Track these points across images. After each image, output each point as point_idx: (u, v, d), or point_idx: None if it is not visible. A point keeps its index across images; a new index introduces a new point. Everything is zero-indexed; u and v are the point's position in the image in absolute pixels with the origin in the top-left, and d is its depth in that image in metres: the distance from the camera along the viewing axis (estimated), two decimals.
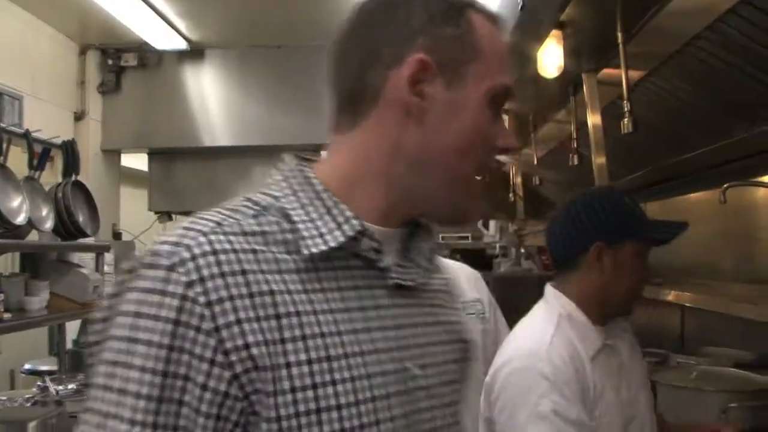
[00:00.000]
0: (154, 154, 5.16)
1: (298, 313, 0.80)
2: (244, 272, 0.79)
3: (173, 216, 5.30)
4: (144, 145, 5.05)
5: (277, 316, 0.79)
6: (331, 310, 0.84)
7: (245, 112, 4.88)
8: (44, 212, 3.23)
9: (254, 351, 0.77)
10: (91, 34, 4.74)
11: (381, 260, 0.89)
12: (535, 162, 3.67)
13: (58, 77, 4.59)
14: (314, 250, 0.83)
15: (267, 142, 4.80)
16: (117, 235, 4.89)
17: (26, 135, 3.20)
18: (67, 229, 3.29)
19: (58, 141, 3.51)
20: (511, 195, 4.54)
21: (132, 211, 5.49)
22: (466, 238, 10.73)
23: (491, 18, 0.94)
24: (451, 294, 1.10)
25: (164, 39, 4.59)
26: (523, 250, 6.80)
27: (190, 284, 0.76)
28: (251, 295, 0.78)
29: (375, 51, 0.90)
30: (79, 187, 3.54)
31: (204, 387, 0.75)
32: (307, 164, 0.92)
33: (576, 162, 2.77)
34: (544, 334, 1.60)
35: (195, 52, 4.86)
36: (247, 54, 4.87)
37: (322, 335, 0.81)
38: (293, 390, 0.78)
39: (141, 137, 4.98)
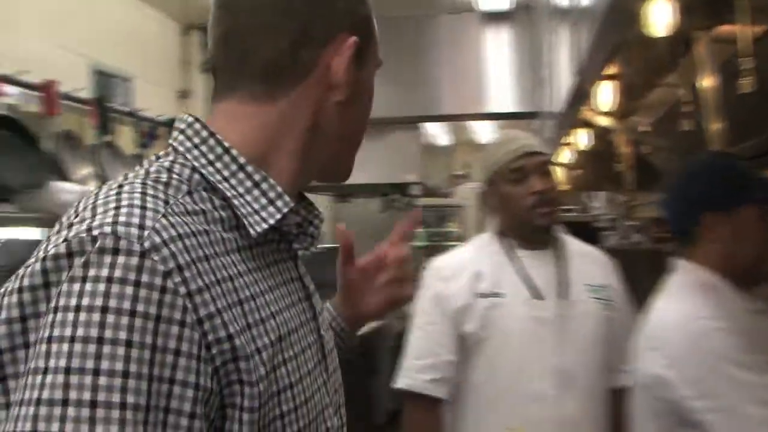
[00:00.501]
0: None
1: (253, 297, 0.78)
2: (207, 257, 0.74)
3: None
4: None
5: (240, 302, 0.76)
6: (270, 288, 0.83)
7: None
8: None
9: (236, 342, 0.73)
10: (193, 14, 4.81)
11: (291, 233, 0.90)
12: (645, 129, 3.49)
13: (162, 58, 4.70)
14: (258, 229, 0.81)
15: (373, 114, 4.76)
16: None
17: (133, 113, 3.28)
18: None
19: (164, 119, 3.59)
20: (618, 165, 4.34)
21: None
22: (570, 210, 10.51)
23: None
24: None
25: None
26: (632, 223, 6.57)
27: (168, 274, 0.68)
28: (218, 282, 0.74)
29: (307, 28, 0.87)
30: None
31: (194, 386, 0.68)
32: (210, 134, 0.85)
33: (689, 128, 2.61)
34: (693, 306, 1.56)
35: None
36: None
37: (273, 316, 0.81)
38: (267, 375, 0.76)
39: None
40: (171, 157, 0.83)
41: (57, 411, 0.61)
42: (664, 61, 2.70)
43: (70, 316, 0.64)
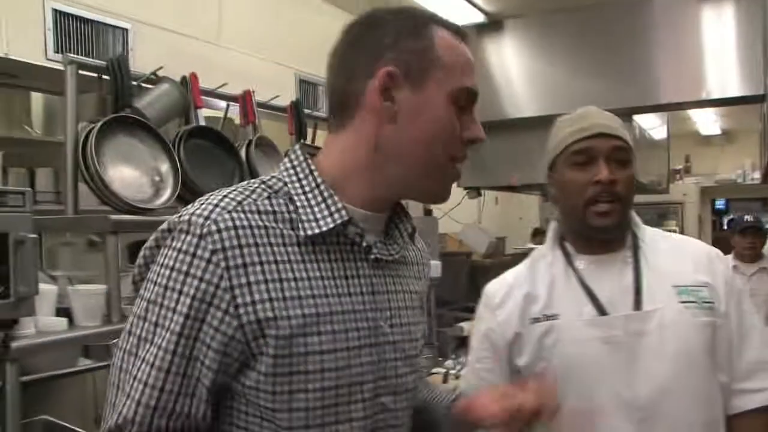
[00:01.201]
0: None
1: (296, 279, 1.07)
2: (256, 245, 1.05)
3: (482, 191, 5.29)
4: None
5: (281, 280, 1.05)
6: (322, 277, 1.09)
7: (549, 79, 4.67)
8: None
9: (258, 307, 1.03)
10: None
11: (364, 240, 1.14)
12: None
13: None
14: (309, 232, 1.09)
15: (574, 108, 4.50)
16: (427, 212, 4.99)
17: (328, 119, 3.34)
18: None
19: None
20: None
21: None
22: None
23: (453, 31, 1.17)
24: (422, 265, 1.34)
25: (462, 13, 4.56)
26: None
27: (214, 252, 1.03)
28: (261, 263, 1.05)
29: (355, 65, 1.14)
30: None
31: (216, 329, 1.03)
32: (311, 157, 1.17)
33: None
34: None
35: (493, 24, 4.77)
36: (548, 19, 4.67)
37: (314, 296, 1.07)
38: (291, 336, 1.04)
39: None
40: (276, 174, 1.16)
41: (134, 320, 1.07)
42: None
43: (156, 268, 1.07)
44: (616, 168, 1.60)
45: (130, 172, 2.37)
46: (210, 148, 2.71)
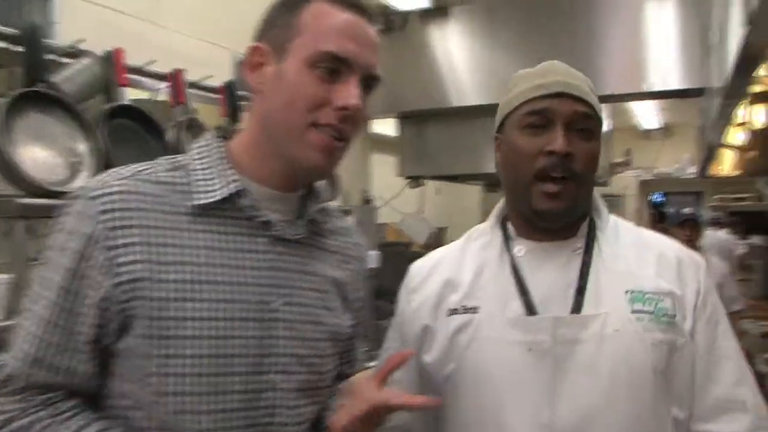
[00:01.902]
0: (403, 119, 5.08)
1: (177, 245, 1.11)
2: (145, 210, 1.10)
3: (423, 181, 5.21)
4: (393, 109, 4.98)
5: (163, 245, 1.10)
6: (208, 247, 1.13)
7: (496, 68, 4.61)
8: None
9: (138, 266, 1.08)
10: None
11: (261, 216, 1.17)
12: None
13: None
14: (197, 202, 1.14)
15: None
16: (366, 201, 4.90)
17: None
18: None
19: None
20: None
21: (383, 178, 5.48)
22: (745, 199, 9.72)
23: (333, 1, 1.16)
24: (349, 257, 1.34)
25: None
26: None
27: (103, 212, 1.08)
28: (147, 227, 1.09)
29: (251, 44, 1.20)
30: None
31: (95, 286, 1.07)
32: (223, 138, 1.24)
33: None
34: None
35: (439, 10, 4.69)
36: (494, 6, 4.60)
37: (198, 264, 1.11)
38: (167, 299, 1.08)
39: (389, 101, 4.90)
40: (194, 151, 1.22)
41: (33, 281, 1.13)
42: None
43: (57, 229, 1.12)
44: (576, 138, 1.31)
45: (43, 153, 2.20)
46: (135, 129, 2.56)
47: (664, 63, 4.27)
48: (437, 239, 5.56)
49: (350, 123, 1.16)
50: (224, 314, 1.12)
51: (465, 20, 4.69)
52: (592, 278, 1.33)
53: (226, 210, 1.15)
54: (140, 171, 1.14)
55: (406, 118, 5.06)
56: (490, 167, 4.84)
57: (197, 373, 1.09)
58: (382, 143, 5.91)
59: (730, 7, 2.46)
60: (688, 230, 4.89)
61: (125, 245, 1.08)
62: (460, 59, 4.71)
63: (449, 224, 6.31)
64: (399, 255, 4.87)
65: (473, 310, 1.35)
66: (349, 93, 1.14)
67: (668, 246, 1.43)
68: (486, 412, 1.30)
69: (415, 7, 4.60)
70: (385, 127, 5.69)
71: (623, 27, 4.36)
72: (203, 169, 1.17)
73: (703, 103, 4.55)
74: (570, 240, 1.38)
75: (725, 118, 3.15)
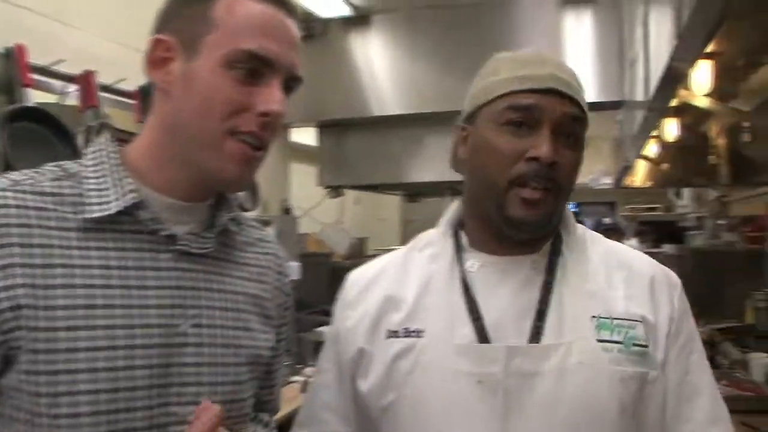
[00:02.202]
0: (323, 128, 5.01)
1: (72, 266, 0.96)
2: (26, 226, 0.95)
3: (343, 190, 5.15)
4: (313, 118, 4.92)
5: (51, 266, 0.95)
6: (104, 266, 0.98)
7: (415, 77, 4.61)
8: None
9: (20, 291, 0.93)
10: None
11: (164, 229, 1.03)
12: (745, 117, 3.12)
13: None
14: (89, 216, 0.99)
15: (440, 108, 4.51)
16: (286, 211, 4.81)
17: None
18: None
19: None
20: (712, 158, 3.97)
21: (303, 188, 5.41)
22: (654, 209, 10.03)
23: None
24: (266, 269, 1.19)
25: (328, 6, 4.41)
26: (722, 222, 6.13)
27: None
28: (30, 246, 0.94)
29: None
30: None
31: None
32: (119, 143, 1.08)
33: None
34: None
35: (360, 18, 4.65)
36: (414, 16, 4.59)
37: (91, 286, 0.96)
38: (55, 329, 0.93)
39: (309, 110, 4.84)
40: (86, 157, 1.06)
41: None
42: None
43: None
44: (562, 144, 1.12)
45: None
46: (42, 134, 2.41)
47: (582, 76, 4.31)
48: (358, 249, 5.51)
49: (270, 130, 1.04)
50: (123, 342, 0.97)
51: (386, 29, 4.67)
52: (555, 301, 1.13)
53: (123, 224, 1.01)
54: (20, 181, 0.99)
55: (326, 127, 5.00)
56: (411, 177, 4.88)
57: (94, 412, 0.95)
58: (301, 152, 5.83)
59: (653, 25, 2.50)
60: (611, 238, 4.91)
61: (4, 267, 0.93)
62: (381, 68, 4.69)
63: (368, 235, 6.26)
64: (320, 266, 4.80)
65: (416, 333, 1.15)
66: (271, 97, 1.02)
67: (641, 262, 1.23)
68: None
69: (336, 15, 4.55)
70: (305, 135, 5.62)
71: (541, 39, 4.41)
72: (96, 177, 1.02)
73: (622, 116, 4.64)
74: (531, 255, 1.17)
75: (647, 132, 3.21)
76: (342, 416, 1.24)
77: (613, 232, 4.95)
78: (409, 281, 1.21)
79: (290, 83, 1.07)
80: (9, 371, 0.94)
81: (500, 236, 1.16)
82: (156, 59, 1.03)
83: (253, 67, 1.00)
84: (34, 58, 2.50)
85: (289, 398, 3.29)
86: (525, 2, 4.42)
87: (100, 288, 0.97)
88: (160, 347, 1.00)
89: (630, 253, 1.26)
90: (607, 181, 10.30)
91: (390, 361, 1.15)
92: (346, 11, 4.50)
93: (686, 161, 4.53)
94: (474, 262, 1.18)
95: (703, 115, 3.75)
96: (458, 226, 1.25)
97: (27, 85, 2.40)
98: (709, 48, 2.22)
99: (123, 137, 1.11)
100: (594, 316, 1.12)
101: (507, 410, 1.07)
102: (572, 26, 4.36)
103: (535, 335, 1.10)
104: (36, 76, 2.50)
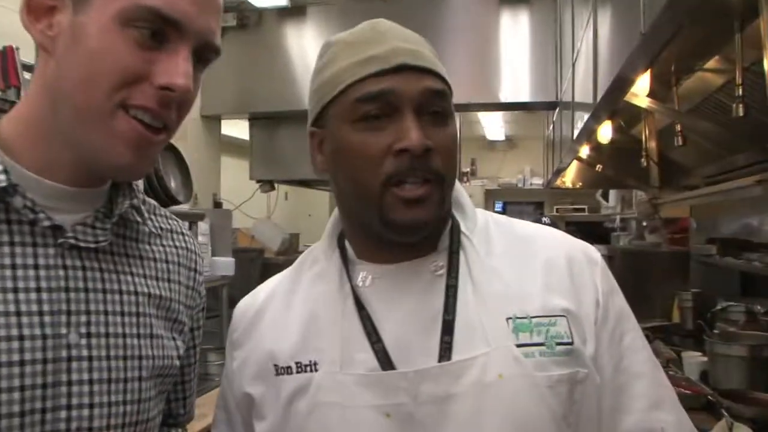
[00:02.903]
0: (255, 120, 4.91)
1: None
2: None
3: (275, 185, 5.06)
4: (245, 110, 4.81)
5: None
6: None
7: None
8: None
9: None
10: None
11: (45, 218, 0.85)
12: (680, 119, 3.17)
13: None
14: None
15: None
16: (218, 205, 4.69)
17: None
18: (158, 195, 3.04)
19: None
20: (643, 160, 4.03)
21: (234, 182, 5.29)
22: (582, 210, 10.22)
23: None
24: (179, 265, 1.04)
25: None
26: (645, 224, 6.27)
27: None
28: None
29: None
30: (172, 150, 3.28)
31: None
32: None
33: (741, 113, 2.28)
34: None
35: (296, 9, 4.57)
36: (350, 9, 4.53)
37: None
38: None
39: (241, 101, 4.74)
40: None
41: None
42: (707, 42, 2.39)
43: None
44: (430, 125, 0.96)
45: None
46: None
47: (517, 76, 4.35)
48: (290, 245, 5.42)
49: (175, 108, 0.86)
50: (12, 357, 0.80)
51: (321, 21, 4.59)
52: (462, 307, 0.98)
53: None
54: None
55: (258, 120, 4.89)
56: None
57: None
58: (233, 145, 5.71)
59: (602, 30, 2.50)
60: None
61: None
62: (315, 61, 4.61)
63: (298, 230, 6.18)
64: (251, 262, 4.71)
65: (310, 366, 0.99)
66: (176, 68, 0.83)
67: (556, 242, 1.08)
68: None
69: (271, 5, 4.45)
70: (236, 128, 5.50)
71: (476, 37, 4.41)
72: None
73: (556, 118, 4.67)
74: (429, 257, 1.02)
75: (587, 134, 3.23)
76: None
77: None
78: (295, 306, 1.06)
79: (205, 53, 0.88)
80: None
81: (387, 243, 1.01)
82: (37, 6, 0.83)
83: (157, 29, 0.82)
84: None
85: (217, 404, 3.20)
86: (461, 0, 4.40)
87: None
88: (40, 363, 0.82)
89: (542, 233, 1.10)
90: (536, 182, 10.49)
91: (285, 403, 1.00)
92: (281, 1, 4.40)
93: (619, 163, 4.60)
94: (365, 274, 1.03)
95: (636, 117, 3.82)
96: (342, 238, 1.09)
97: None
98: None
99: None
100: (509, 318, 0.97)
101: None
102: (508, 25, 4.37)
103: (445, 351, 0.95)
104: None
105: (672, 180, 4.42)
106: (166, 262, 1.03)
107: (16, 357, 0.80)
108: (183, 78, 0.83)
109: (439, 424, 0.93)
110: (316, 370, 0.99)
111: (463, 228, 1.05)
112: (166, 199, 3.10)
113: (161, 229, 1.05)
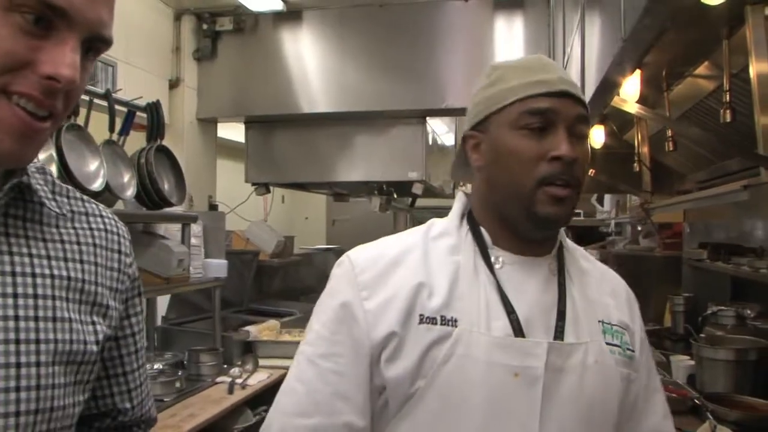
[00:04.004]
0: (250, 123, 4.93)
1: None
2: None
3: (270, 188, 5.08)
4: (241, 113, 4.83)
5: None
6: None
7: (345, 76, 4.57)
8: (126, 179, 3.00)
9: None
10: (185, 0, 4.55)
11: None
12: (669, 125, 3.20)
13: (152, 44, 4.41)
14: None
15: (369, 107, 4.51)
16: (213, 207, 4.71)
17: (107, 95, 2.97)
18: (150, 197, 3.06)
19: (143, 103, 3.28)
20: (636, 165, 4.06)
21: (230, 185, 5.30)
22: (578, 214, 10.24)
23: None
24: (97, 248, 1.03)
25: (260, 0, 4.33)
26: (639, 228, 6.29)
27: None
28: None
29: None
30: (165, 153, 3.30)
31: None
32: None
33: (728, 119, 2.31)
34: None
35: (292, 14, 4.59)
36: (346, 14, 4.55)
37: None
38: None
39: (237, 105, 4.76)
40: None
41: None
42: (704, 44, 2.42)
43: None
44: (576, 142, 1.17)
45: None
46: None
47: None
48: (285, 248, 5.44)
49: (61, 98, 0.85)
50: None
51: (317, 25, 4.62)
52: (569, 303, 1.22)
53: None
54: None
55: (254, 123, 4.91)
56: (338, 176, 4.83)
57: None
58: (228, 148, 5.73)
59: (589, 33, 2.53)
60: None
61: None
62: (311, 65, 4.63)
63: (294, 233, 6.20)
64: (246, 264, 4.72)
65: (451, 322, 1.15)
66: (61, 58, 0.81)
67: (617, 277, 1.37)
68: None
69: (267, 9, 4.47)
70: (232, 131, 5.52)
71: (471, 42, 4.43)
72: None
73: None
74: (546, 257, 1.25)
75: None
76: (358, 407, 1.17)
77: None
78: (437, 270, 1.20)
79: (95, 44, 0.88)
80: None
81: (523, 236, 1.22)
82: None
83: (42, 16, 0.80)
84: None
85: (216, 399, 3.22)
86: (456, 4, 4.43)
87: None
88: None
89: (606, 268, 1.38)
90: None
91: (425, 348, 1.14)
92: (277, 6, 4.43)
93: (611, 168, 4.62)
94: (501, 259, 1.22)
95: (628, 122, 3.84)
96: (472, 222, 1.27)
97: None
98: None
99: None
100: (600, 321, 1.23)
101: (544, 402, 1.14)
102: (503, 30, 4.39)
103: (559, 334, 1.18)
104: None
105: (664, 185, 4.45)
106: (78, 243, 1.00)
107: None
108: (69, 69, 0.82)
109: (554, 390, 1.15)
110: (456, 326, 1.15)
111: (563, 243, 1.29)
112: (159, 200, 3.12)
113: (72, 212, 1.03)
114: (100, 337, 1.00)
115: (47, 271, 0.93)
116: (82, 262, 0.99)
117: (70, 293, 0.96)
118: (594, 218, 8.89)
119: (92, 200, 1.09)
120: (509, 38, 4.38)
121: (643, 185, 4.35)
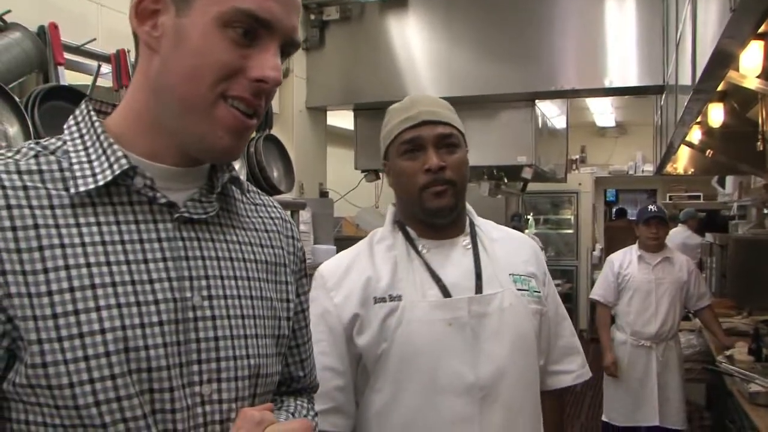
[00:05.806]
0: (359, 110, 4.97)
1: (63, 246, 0.89)
2: (9, 207, 0.88)
3: (380, 174, 5.10)
4: (349, 101, 4.87)
5: (40, 248, 0.87)
6: (103, 242, 0.92)
7: (452, 61, 4.53)
8: (236, 168, 3.07)
9: (9, 278, 0.86)
10: None
11: (162, 197, 0.97)
12: None
13: None
14: (82, 188, 0.92)
15: (477, 92, 4.45)
16: (323, 194, 4.78)
17: None
18: (259, 185, 3.13)
19: None
20: (759, 144, 3.84)
21: (340, 172, 5.37)
22: (697, 197, 9.84)
23: None
24: (274, 232, 1.16)
25: None
26: (766, 211, 5.97)
27: None
28: (14, 229, 0.87)
29: None
30: (273, 142, 3.37)
31: None
32: (102, 111, 1.03)
33: None
34: None
35: (397, 1, 4.59)
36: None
37: (88, 265, 0.90)
38: (55, 316, 0.86)
39: (346, 93, 4.80)
40: (66, 131, 0.98)
41: None
42: None
43: None
44: (445, 153, 1.64)
45: None
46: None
47: (624, 60, 4.23)
48: None
49: (264, 98, 0.99)
50: (136, 320, 0.91)
51: (423, 11, 4.60)
52: (484, 266, 1.68)
53: (114, 195, 0.95)
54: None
55: (363, 111, 4.95)
56: None
57: (114, 398, 0.89)
58: (338, 136, 5.80)
59: (701, 3, 2.40)
60: (654, 228, 4.64)
61: None
62: (418, 51, 4.62)
63: None
64: None
65: (398, 298, 1.62)
66: (267, 62, 0.95)
67: (523, 238, 1.92)
68: (423, 381, 1.59)
69: None
70: (341, 119, 5.58)
71: (582, 23, 4.31)
72: (81, 150, 0.95)
73: (664, 101, 4.51)
74: (460, 237, 1.73)
75: (691, 116, 3.10)
76: (341, 372, 1.65)
77: (657, 221, 4.71)
78: (380, 264, 1.68)
79: (288, 48, 1.01)
80: (16, 366, 0.88)
81: (431, 225, 1.70)
82: (143, 10, 0.95)
83: (250, 29, 0.94)
84: (68, 37, 2.48)
85: None
86: None
87: (99, 266, 0.90)
88: (174, 323, 0.95)
89: (514, 232, 1.93)
90: (648, 169, 10.16)
91: (381, 320, 1.61)
92: None
93: (732, 148, 4.40)
94: (424, 246, 1.70)
95: (750, 99, 3.64)
96: (400, 224, 1.74)
97: (60, 64, 2.39)
98: (762, 28, 2.12)
99: (106, 109, 1.05)
100: (510, 274, 1.71)
101: (473, 341, 1.61)
102: (614, 11, 4.24)
103: (479, 290, 1.65)
104: (69, 56, 2.49)
105: None
106: (266, 231, 1.15)
107: (155, 318, 0.93)
108: (274, 71, 0.96)
109: (480, 330, 1.62)
110: (401, 300, 1.62)
111: (475, 224, 1.77)
112: (268, 188, 3.19)
113: (257, 203, 1.17)
114: (291, 313, 1.16)
115: (252, 256, 1.09)
116: (271, 247, 1.14)
117: (269, 275, 1.12)
118: (715, 201, 8.53)
119: (261, 192, 1.23)
120: (621, 16, 4.23)
121: (767, 165, 4.12)
